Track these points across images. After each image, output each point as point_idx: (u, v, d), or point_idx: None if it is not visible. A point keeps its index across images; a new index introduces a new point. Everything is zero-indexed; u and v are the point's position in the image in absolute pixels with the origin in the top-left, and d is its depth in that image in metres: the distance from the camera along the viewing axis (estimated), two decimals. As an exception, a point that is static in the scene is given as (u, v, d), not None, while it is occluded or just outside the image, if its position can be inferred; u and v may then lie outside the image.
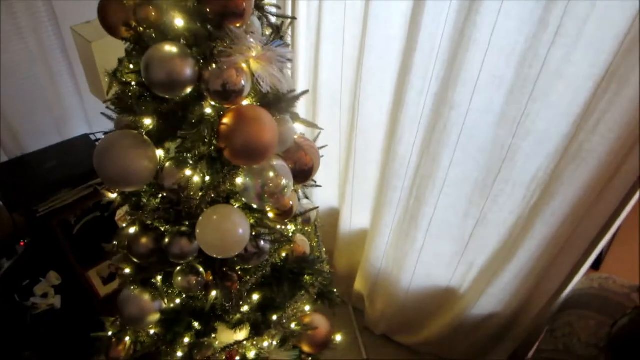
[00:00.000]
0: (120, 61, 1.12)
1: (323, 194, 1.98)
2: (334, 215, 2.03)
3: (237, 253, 1.15)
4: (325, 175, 1.94)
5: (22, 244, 1.90)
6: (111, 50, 1.23)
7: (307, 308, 1.64)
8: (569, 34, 1.02)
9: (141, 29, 0.98)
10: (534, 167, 1.26)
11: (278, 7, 1.20)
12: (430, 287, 1.78)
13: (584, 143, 1.11)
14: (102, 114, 1.34)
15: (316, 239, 1.62)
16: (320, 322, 1.58)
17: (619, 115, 1.03)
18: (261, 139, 1.02)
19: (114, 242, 1.36)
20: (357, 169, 1.74)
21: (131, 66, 1.04)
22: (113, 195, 1.37)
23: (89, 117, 2.01)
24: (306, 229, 1.60)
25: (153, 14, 0.95)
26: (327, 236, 2.08)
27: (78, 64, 1.87)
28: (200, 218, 1.11)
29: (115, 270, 2.14)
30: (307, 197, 1.58)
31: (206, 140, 1.06)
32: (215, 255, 1.13)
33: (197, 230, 1.12)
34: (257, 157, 1.04)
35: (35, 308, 1.79)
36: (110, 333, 1.56)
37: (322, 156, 1.48)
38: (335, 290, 1.86)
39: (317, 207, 1.43)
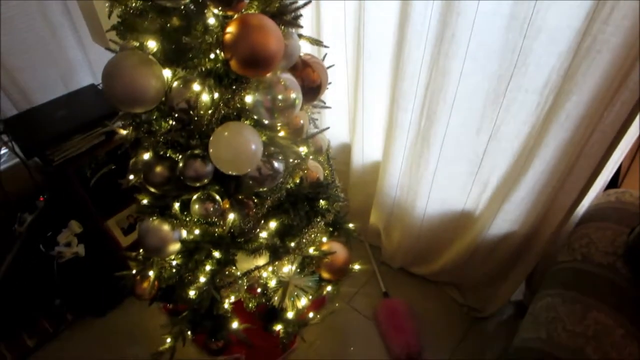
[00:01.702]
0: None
1: (334, 130, 1.97)
2: (346, 152, 2.03)
3: (250, 169, 1.16)
4: (335, 110, 1.92)
5: (41, 199, 1.95)
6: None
7: (325, 240, 1.67)
8: None
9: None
10: (546, 70, 1.23)
11: None
12: (445, 212, 1.78)
13: (597, 35, 1.08)
14: (107, 49, 1.35)
15: (329, 168, 1.63)
16: (338, 250, 1.60)
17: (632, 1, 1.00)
18: (267, 47, 1.01)
19: (129, 176, 1.38)
20: (366, 98, 1.72)
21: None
22: (124, 132, 1.40)
23: (93, 68, 2.02)
24: (319, 158, 1.61)
25: None
26: (341, 174, 2.08)
27: (78, 16, 1.86)
28: (212, 136, 1.11)
29: (134, 221, 2.19)
30: (316, 127, 1.58)
31: (212, 54, 1.05)
32: (230, 172, 1.14)
33: (210, 150, 1.12)
34: (263, 66, 1.03)
35: (60, 257, 1.84)
36: (134, 271, 1.60)
37: (330, 83, 1.48)
38: (351, 224, 1.89)
39: (328, 128, 1.42)
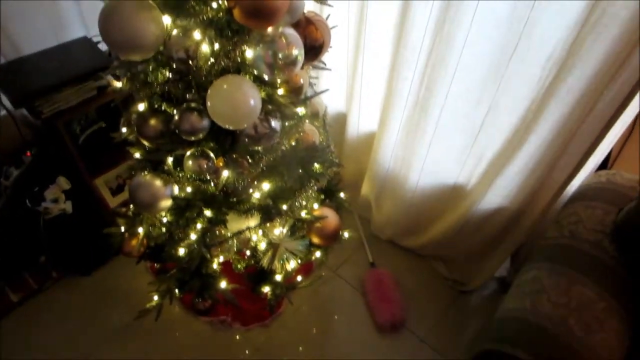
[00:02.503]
0: None
1: (331, 97, 1.96)
2: (341, 121, 2.01)
3: (247, 125, 1.15)
4: (333, 77, 1.91)
5: (28, 154, 1.91)
6: None
7: (317, 206, 1.67)
8: None
9: None
10: (551, 43, 1.22)
11: None
12: (437, 185, 1.79)
13: (607, 8, 1.07)
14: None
15: (325, 133, 1.62)
16: (330, 216, 1.60)
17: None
18: (271, -3, 0.98)
19: (122, 129, 1.36)
20: (366, 65, 1.70)
21: None
22: (119, 84, 1.36)
23: (86, 21, 1.95)
24: (315, 123, 1.60)
25: None
26: (335, 144, 2.07)
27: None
28: (211, 88, 1.09)
29: (123, 182, 2.16)
30: (319, 94, 1.56)
31: (214, 2, 1.03)
32: (227, 126, 1.12)
33: (208, 103, 1.10)
34: (267, 17, 1.00)
35: (47, 213, 1.81)
36: (122, 229, 1.59)
37: (331, 47, 1.45)
38: (342, 194, 1.89)
39: (327, 90, 1.41)
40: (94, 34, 1.92)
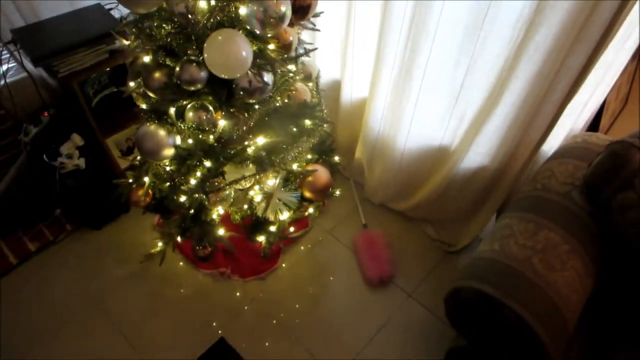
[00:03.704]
0: None
1: (326, 65, 2.07)
2: (336, 88, 2.13)
3: (240, 74, 1.27)
4: (328, 46, 2.02)
5: (46, 114, 2.06)
6: None
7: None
8: None
9: None
10: (519, 4, 1.32)
11: None
12: (424, 147, 1.90)
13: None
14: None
15: (317, 95, 1.74)
16: (321, 171, 1.72)
17: None
18: (260, -44, 1.10)
19: (129, 82, 1.49)
20: (357, 34, 1.81)
21: None
22: (126, 42, 1.50)
23: (99, -11, 2.10)
24: (308, 84, 1.72)
25: None
26: (330, 110, 2.18)
27: None
28: (207, 40, 1.21)
29: (132, 145, 2.31)
30: (308, 55, 1.67)
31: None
32: (222, 75, 1.24)
33: (205, 54, 1.23)
34: (257, -26, 1.12)
35: (62, 167, 1.96)
36: (130, 180, 1.73)
37: (322, 12, 1.56)
38: (337, 157, 2.01)
39: (317, 48, 1.52)
40: (107, 1, 2.05)
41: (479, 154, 1.72)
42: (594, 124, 1.89)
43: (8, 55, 2.04)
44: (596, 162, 1.48)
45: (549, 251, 1.33)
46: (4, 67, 2.04)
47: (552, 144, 1.65)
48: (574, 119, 1.63)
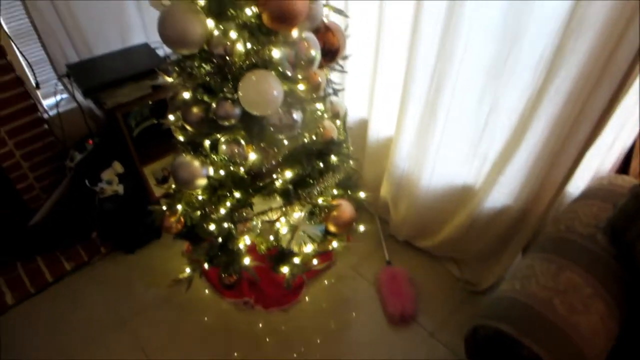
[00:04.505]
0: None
1: (354, 105, 2.15)
2: (363, 126, 2.20)
3: (271, 112, 1.35)
4: (355, 86, 2.10)
5: (90, 142, 2.21)
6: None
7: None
8: None
9: None
10: (539, 47, 1.37)
11: None
12: (448, 185, 1.92)
13: (584, 13, 1.21)
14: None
15: (344, 133, 1.81)
16: (345, 206, 1.77)
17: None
18: (294, 5, 1.20)
19: (169, 116, 1.60)
20: (383, 74, 1.89)
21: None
22: (169, 79, 1.62)
23: (147, 30, 2.28)
24: (336, 122, 1.79)
25: None
26: (358, 147, 2.26)
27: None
28: (242, 80, 1.31)
29: (168, 174, 2.43)
30: (336, 94, 1.76)
31: (248, 9, 1.25)
32: (254, 112, 1.33)
33: (240, 92, 1.32)
34: (289, 21, 1.22)
35: (102, 192, 2.09)
36: (164, 207, 1.82)
37: (350, 55, 1.66)
38: (362, 193, 2.06)
39: (343, 89, 1.60)
40: (153, 40, 2.22)
41: (502, 194, 1.74)
42: (624, 166, 1.88)
43: (61, 87, 2.22)
44: (621, 205, 1.48)
45: (570, 293, 1.32)
46: (58, 97, 2.22)
47: (578, 185, 1.65)
48: (600, 160, 1.63)
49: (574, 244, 1.46)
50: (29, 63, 2.08)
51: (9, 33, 2.02)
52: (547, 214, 1.71)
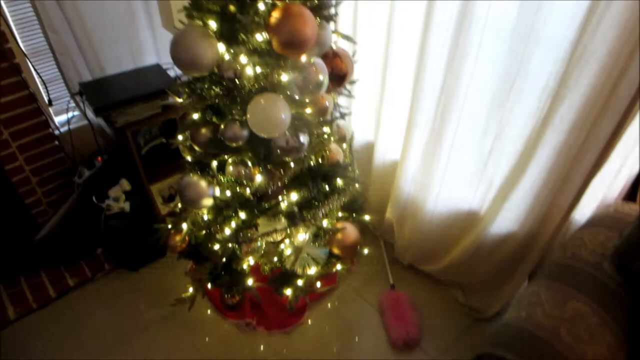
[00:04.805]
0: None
1: (360, 127, 2.17)
2: (369, 149, 2.21)
3: (279, 134, 1.37)
4: (362, 109, 2.13)
5: (99, 159, 2.24)
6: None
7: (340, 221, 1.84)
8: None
9: None
10: (544, 76, 1.39)
11: None
12: (453, 210, 1.92)
13: (587, 45, 1.23)
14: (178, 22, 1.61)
15: (350, 156, 1.82)
16: (350, 229, 1.77)
17: (617, 13, 1.14)
18: (303, 32, 1.22)
19: (178, 135, 1.62)
20: (390, 98, 1.92)
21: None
22: (179, 100, 1.65)
23: (159, 51, 2.33)
24: (342, 145, 1.81)
25: None
26: (363, 170, 2.27)
27: (154, 5, 2.18)
28: (250, 102, 1.33)
29: (175, 192, 2.44)
30: (343, 118, 1.78)
31: (258, 34, 1.28)
32: (262, 134, 1.35)
33: (248, 115, 1.34)
34: (299, 47, 1.24)
35: (109, 209, 2.10)
36: (169, 226, 1.83)
37: (357, 80, 1.68)
38: (367, 216, 2.06)
39: (350, 113, 1.62)
40: (165, 61, 2.27)
41: (508, 219, 1.73)
42: (631, 194, 1.88)
43: (73, 105, 2.27)
44: (627, 233, 1.47)
45: (577, 322, 1.30)
46: (69, 114, 2.26)
47: (584, 212, 1.65)
48: (606, 187, 1.63)
49: (581, 271, 1.45)
50: (43, 80, 2.13)
51: (25, 51, 2.07)
52: (553, 240, 1.70)
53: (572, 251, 1.54)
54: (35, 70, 2.12)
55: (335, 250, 1.78)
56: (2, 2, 1.98)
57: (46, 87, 2.16)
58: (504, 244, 1.83)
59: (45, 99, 2.18)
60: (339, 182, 1.68)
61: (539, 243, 1.74)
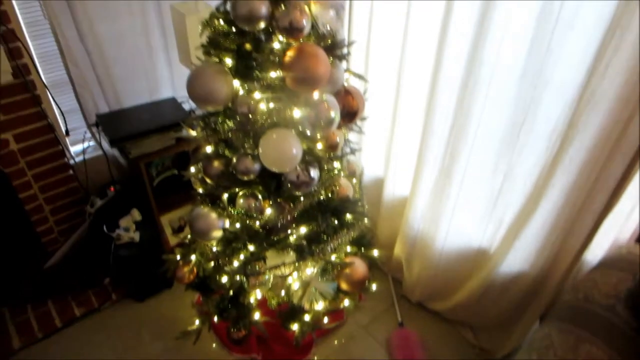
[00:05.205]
0: (211, 15, 1.42)
1: (370, 163, 2.19)
2: (379, 185, 2.22)
3: (290, 169, 1.39)
4: (372, 146, 2.15)
5: (112, 189, 2.27)
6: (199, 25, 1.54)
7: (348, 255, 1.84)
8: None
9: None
10: (553, 117, 1.40)
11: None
12: (462, 247, 1.91)
13: (596, 89, 1.25)
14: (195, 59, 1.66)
15: (360, 191, 1.83)
16: (358, 264, 1.76)
17: (624, 59, 1.16)
18: (316, 71, 1.26)
19: (190, 168, 1.65)
20: (400, 137, 1.94)
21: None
22: (193, 133, 1.69)
23: (175, 85, 2.40)
24: (352, 180, 1.82)
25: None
26: (372, 206, 2.28)
27: (172, 41, 2.26)
28: (263, 137, 1.36)
29: (184, 223, 2.46)
30: (353, 154, 1.80)
31: (273, 72, 1.32)
32: (273, 169, 1.37)
33: (260, 149, 1.37)
34: (311, 85, 1.28)
35: (119, 238, 2.12)
36: (178, 257, 1.84)
37: (368, 117, 1.71)
38: (376, 251, 2.05)
39: (360, 149, 1.64)
40: (180, 95, 2.33)
41: (518, 259, 1.71)
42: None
43: (89, 135, 2.32)
44: (640, 278, 1.44)
45: (590, 368, 1.27)
46: (85, 144, 2.31)
47: (596, 253, 1.62)
48: (618, 228, 1.61)
49: (594, 314, 1.42)
50: (61, 111, 2.19)
51: (46, 83, 2.14)
52: (564, 281, 1.68)
53: (585, 293, 1.51)
54: (54, 101, 2.19)
55: (343, 286, 1.76)
56: (28, 38, 2.07)
57: (64, 118, 2.22)
58: (515, 283, 1.80)
59: (63, 129, 2.24)
60: (348, 216, 1.69)
61: (550, 283, 1.71)
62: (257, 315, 1.77)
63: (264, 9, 1.21)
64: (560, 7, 1.26)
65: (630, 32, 1.14)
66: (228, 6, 1.28)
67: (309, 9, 1.25)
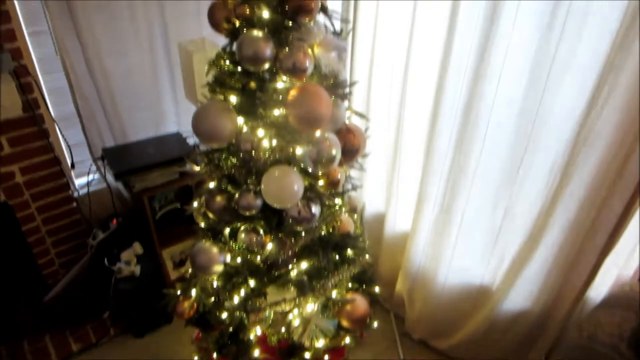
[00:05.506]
0: (217, 55, 1.47)
1: (371, 198, 2.21)
2: (380, 220, 2.23)
3: (291, 205, 1.40)
4: (374, 182, 2.17)
5: (114, 222, 2.28)
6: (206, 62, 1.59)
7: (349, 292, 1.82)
8: (572, 32, 1.25)
9: (237, 22, 1.31)
10: (552, 154, 1.42)
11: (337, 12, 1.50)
12: (464, 284, 1.90)
13: (593, 126, 1.28)
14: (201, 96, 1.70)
15: (361, 227, 1.84)
16: (359, 301, 1.75)
17: (619, 100, 1.19)
18: (318, 110, 1.29)
19: (193, 202, 1.66)
20: (402, 171, 1.96)
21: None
22: (197, 168, 1.71)
23: (180, 120, 2.44)
24: (354, 216, 1.83)
25: (247, 10, 1.29)
26: (373, 241, 2.28)
27: (178, 77, 2.32)
28: (265, 173, 1.38)
29: (185, 257, 2.45)
30: (354, 190, 1.81)
31: (276, 110, 1.35)
32: (274, 205, 1.38)
33: (262, 185, 1.39)
34: (314, 123, 1.30)
35: (119, 272, 2.11)
36: (178, 292, 1.83)
37: (369, 153, 1.74)
38: (377, 288, 2.04)
39: (361, 186, 1.65)
40: (185, 129, 2.37)
41: (521, 296, 1.70)
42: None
43: (94, 168, 2.35)
44: (645, 318, 1.43)
45: (597, 412, 1.25)
46: (90, 177, 2.34)
47: (600, 290, 1.61)
48: (621, 265, 1.61)
49: (598, 354, 1.41)
50: (68, 144, 2.23)
51: (54, 117, 2.19)
52: (568, 319, 1.66)
53: (588, 331, 1.50)
54: (62, 134, 2.23)
55: (344, 323, 1.74)
56: (39, 72, 2.13)
57: (70, 151, 2.25)
58: (518, 321, 1.78)
59: (69, 162, 2.27)
60: (349, 252, 1.69)
61: (554, 321, 1.69)
62: (256, 352, 1.75)
63: (268, 50, 1.25)
64: (557, 47, 1.30)
65: (624, 73, 1.17)
66: (234, 47, 1.32)
67: (312, 51, 1.29)
